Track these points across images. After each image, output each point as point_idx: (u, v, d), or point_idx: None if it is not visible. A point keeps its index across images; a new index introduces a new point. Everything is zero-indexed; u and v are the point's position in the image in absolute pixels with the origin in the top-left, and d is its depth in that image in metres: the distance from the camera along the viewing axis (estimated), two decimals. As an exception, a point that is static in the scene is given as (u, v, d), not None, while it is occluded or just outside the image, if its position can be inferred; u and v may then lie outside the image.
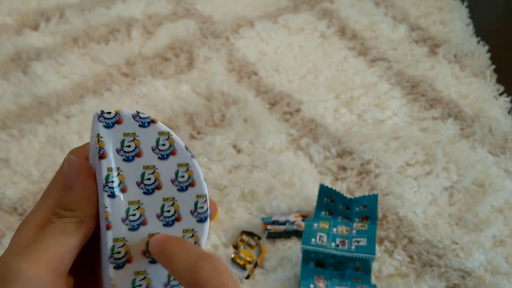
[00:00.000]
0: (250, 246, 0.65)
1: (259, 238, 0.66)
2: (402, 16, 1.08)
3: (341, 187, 0.72)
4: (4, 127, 0.79)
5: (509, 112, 0.87)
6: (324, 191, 0.66)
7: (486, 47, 1.00)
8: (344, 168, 0.75)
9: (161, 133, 0.26)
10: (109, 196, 0.24)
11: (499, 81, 0.93)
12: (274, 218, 0.67)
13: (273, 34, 1.02)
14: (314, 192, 0.69)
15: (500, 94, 0.91)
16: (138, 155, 0.25)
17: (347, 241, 0.61)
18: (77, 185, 0.25)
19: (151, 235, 0.25)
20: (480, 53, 0.99)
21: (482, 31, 1.06)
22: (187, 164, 0.26)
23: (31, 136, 0.77)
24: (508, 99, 0.89)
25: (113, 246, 0.24)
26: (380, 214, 0.68)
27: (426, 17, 1.09)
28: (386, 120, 0.84)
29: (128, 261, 0.25)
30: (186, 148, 0.26)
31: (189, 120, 0.81)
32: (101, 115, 0.26)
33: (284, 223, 0.67)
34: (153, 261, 0.25)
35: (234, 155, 0.76)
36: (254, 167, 0.74)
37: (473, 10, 1.12)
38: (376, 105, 0.87)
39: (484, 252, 0.65)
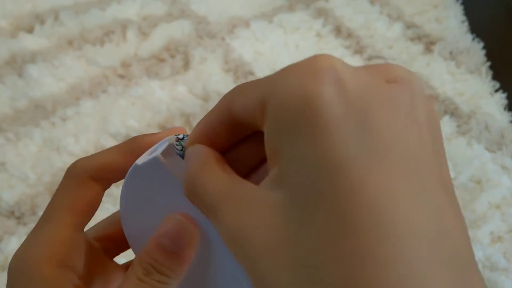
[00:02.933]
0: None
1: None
2: (397, 14, 1.08)
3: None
4: (0, 130, 0.78)
5: (505, 108, 0.87)
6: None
7: (481, 44, 1.01)
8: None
9: None
10: None
11: (494, 77, 0.93)
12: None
13: (269, 33, 1.02)
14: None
15: (496, 91, 0.91)
16: None
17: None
18: (186, 253, 0.23)
19: None
20: (476, 50, 0.99)
21: (477, 28, 1.06)
22: None
23: (27, 139, 0.77)
24: (504, 95, 0.90)
25: None
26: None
27: (421, 15, 1.09)
28: (382, 118, 0.84)
29: None
30: None
31: (186, 121, 0.81)
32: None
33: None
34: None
35: (231, 155, 0.76)
36: (251, 167, 0.74)
37: (468, 7, 1.12)
38: (373, 103, 0.87)
39: (482, 248, 0.65)
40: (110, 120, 0.81)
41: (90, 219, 0.26)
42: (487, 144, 0.80)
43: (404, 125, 0.16)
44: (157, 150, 0.23)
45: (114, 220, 0.28)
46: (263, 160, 0.21)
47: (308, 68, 0.16)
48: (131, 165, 0.24)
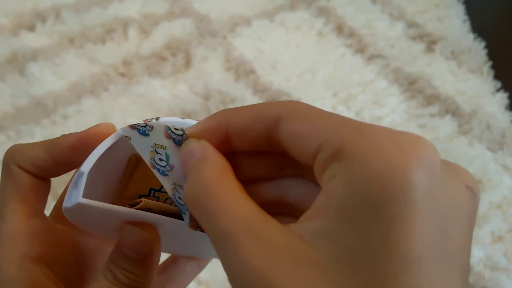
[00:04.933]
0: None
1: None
2: (399, 13, 1.08)
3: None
4: (1, 128, 0.79)
5: (506, 108, 0.87)
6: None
7: (483, 43, 1.00)
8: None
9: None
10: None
11: (496, 77, 0.93)
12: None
13: (270, 32, 1.02)
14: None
15: (497, 90, 0.91)
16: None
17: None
18: (150, 260, 0.23)
19: None
20: (477, 49, 0.99)
21: (478, 27, 1.06)
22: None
23: (29, 137, 0.77)
24: (505, 95, 0.90)
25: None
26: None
27: (422, 14, 1.09)
28: (384, 117, 0.84)
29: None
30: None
31: (187, 119, 0.81)
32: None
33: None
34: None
35: (232, 154, 0.76)
36: (252, 166, 0.74)
37: (469, 7, 1.12)
38: (374, 102, 0.87)
39: (483, 248, 0.65)
40: (111, 118, 0.81)
41: (43, 204, 0.25)
42: (488, 144, 0.79)
43: (470, 237, 0.18)
44: (78, 187, 0.23)
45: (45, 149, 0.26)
46: (263, 178, 0.21)
47: (411, 149, 0.16)
48: (52, 164, 0.25)
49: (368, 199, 0.15)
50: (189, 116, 0.81)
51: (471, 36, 1.03)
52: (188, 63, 0.93)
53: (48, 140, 0.25)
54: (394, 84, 0.91)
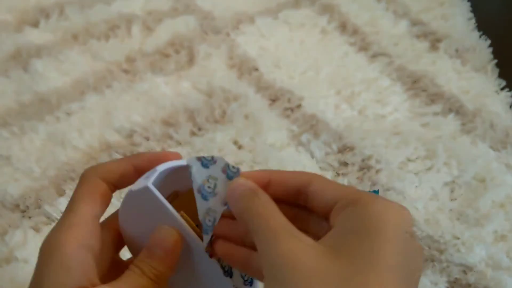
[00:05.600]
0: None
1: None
2: (403, 11, 1.08)
3: (342, 183, 0.72)
4: (5, 124, 0.79)
5: (510, 107, 0.87)
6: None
7: (488, 42, 1.00)
8: (345, 164, 0.75)
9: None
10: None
11: (500, 75, 0.93)
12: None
13: (274, 30, 1.02)
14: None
15: (502, 89, 0.90)
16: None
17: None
18: (171, 259, 0.30)
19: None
20: (482, 47, 0.98)
21: (483, 25, 1.05)
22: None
23: (32, 134, 0.77)
24: (509, 93, 0.89)
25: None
26: (381, 210, 0.68)
27: (427, 12, 1.09)
28: (387, 115, 0.84)
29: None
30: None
31: (189, 116, 0.81)
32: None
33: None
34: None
35: (235, 151, 0.76)
36: (255, 163, 0.74)
37: (474, 5, 1.12)
38: (377, 100, 0.87)
39: (485, 247, 0.65)
40: (115, 115, 0.81)
41: (104, 211, 0.32)
42: (492, 143, 0.79)
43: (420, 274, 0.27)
44: (149, 178, 0.30)
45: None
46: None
47: (400, 211, 0.26)
48: (132, 174, 0.32)
49: (370, 226, 0.24)
50: (192, 112, 0.81)
51: (475, 34, 1.02)
52: (191, 60, 0.93)
53: (125, 157, 0.34)
54: (398, 82, 0.90)
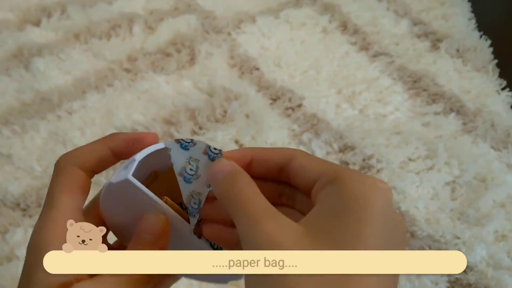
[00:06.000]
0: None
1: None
2: (404, 10, 1.08)
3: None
4: (6, 123, 0.79)
5: (511, 107, 0.87)
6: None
7: (489, 42, 1.00)
8: (346, 163, 0.75)
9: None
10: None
11: (501, 75, 0.93)
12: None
13: (275, 29, 1.02)
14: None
15: (503, 89, 0.90)
16: None
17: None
18: (162, 242, 0.29)
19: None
20: (483, 47, 0.98)
21: (484, 25, 1.05)
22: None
23: (34, 132, 0.78)
24: (510, 93, 0.89)
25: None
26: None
27: (428, 12, 1.09)
28: (388, 115, 0.84)
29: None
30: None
31: (191, 115, 0.81)
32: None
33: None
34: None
35: (236, 150, 0.76)
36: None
37: (475, 4, 1.12)
38: (378, 100, 0.87)
39: (486, 247, 0.65)
40: (116, 114, 0.81)
41: (85, 201, 0.31)
42: (493, 143, 0.79)
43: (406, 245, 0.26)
44: (128, 168, 0.29)
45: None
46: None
47: (379, 186, 0.25)
48: (109, 157, 0.31)
49: (350, 205, 0.24)
50: (193, 111, 0.81)
51: (476, 34, 1.02)
52: (192, 60, 0.93)
53: (100, 139, 0.31)
54: (399, 82, 0.90)
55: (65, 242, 0.27)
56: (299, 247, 0.22)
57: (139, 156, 0.29)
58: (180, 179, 0.29)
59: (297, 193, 0.29)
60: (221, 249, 0.31)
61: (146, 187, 0.29)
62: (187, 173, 0.29)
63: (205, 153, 0.29)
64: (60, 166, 0.30)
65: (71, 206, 0.29)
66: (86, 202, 0.32)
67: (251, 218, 0.24)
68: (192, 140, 0.29)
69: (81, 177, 0.30)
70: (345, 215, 0.23)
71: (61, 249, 0.27)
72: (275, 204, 0.26)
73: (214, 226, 0.30)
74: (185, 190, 0.29)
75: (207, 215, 0.30)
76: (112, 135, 0.31)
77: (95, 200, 0.33)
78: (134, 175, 0.28)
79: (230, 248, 0.30)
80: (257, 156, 0.29)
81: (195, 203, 0.29)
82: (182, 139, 0.29)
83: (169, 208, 0.29)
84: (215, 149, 0.29)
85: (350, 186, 0.24)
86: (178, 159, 0.29)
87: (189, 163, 0.29)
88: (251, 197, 0.26)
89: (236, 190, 0.26)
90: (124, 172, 0.29)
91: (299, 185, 0.28)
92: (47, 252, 0.27)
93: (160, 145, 0.30)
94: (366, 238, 0.23)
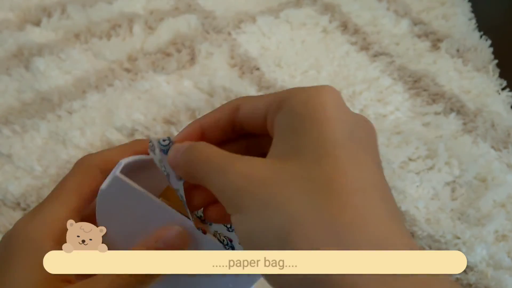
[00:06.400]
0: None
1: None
2: (404, 10, 1.08)
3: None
4: (6, 122, 0.79)
5: (511, 107, 0.87)
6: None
7: (489, 42, 1.00)
8: (346, 163, 0.75)
9: None
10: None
11: (501, 75, 0.93)
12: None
13: (275, 29, 1.02)
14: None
15: (503, 89, 0.90)
16: None
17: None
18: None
19: None
20: (483, 47, 0.98)
21: (484, 25, 1.05)
22: None
23: (34, 132, 0.78)
24: (510, 93, 0.89)
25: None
26: (382, 209, 0.68)
27: (428, 12, 1.09)
28: (388, 115, 0.84)
29: None
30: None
31: (191, 115, 0.81)
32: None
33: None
34: None
35: (236, 150, 0.76)
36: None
37: (475, 4, 1.12)
38: (378, 100, 0.87)
39: (486, 247, 0.65)
40: (116, 114, 0.81)
41: (88, 202, 0.29)
42: (493, 143, 0.79)
43: (375, 142, 0.26)
44: (114, 170, 0.27)
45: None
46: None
47: (325, 88, 0.24)
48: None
49: (302, 116, 0.23)
50: (193, 111, 0.81)
51: (477, 34, 1.02)
52: (193, 59, 0.93)
53: (126, 143, 0.31)
54: (399, 82, 0.90)
55: (55, 240, 0.26)
56: (272, 173, 0.22)
57: (124, 159, 0.28)
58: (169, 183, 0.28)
59: (260, 140, 0.28)
60: (231, 242, 0.30)
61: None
62: (166, 177, 0.28)
63: (161, 150, 0.28)
64: (83, 163, 0.29)
65: (75, 206, 0.28)
66: None
67: (219, 167, 0.23)
68: (150, 141, 0.28)
69: (98, 180, 0.29)
70: (301, 126, 0.23)
71: (48, 246, 0.26)
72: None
73: (218, 208, 0.29)
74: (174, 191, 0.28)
75: (207, 202, 0.29)
76: (138, 140, 0.31)
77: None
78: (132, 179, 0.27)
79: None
80: (206, 125, 0.28)
81: (182, 201, 0.28)
82: (149, 147, 0.28)
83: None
84: (163, 140, 0.27)
85: (296, 99, 0.24)
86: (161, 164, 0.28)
87: (161, 166, 0.28)
88: (211, 152, 0.24)
89: (196, 155, 0.25)
90: (113, 171, 0.27)
91: (254, 129, 0.27)
92: (43, 245, 0.26)
93: (146, 156, 0.29)
94: (329, 136, 0.22)
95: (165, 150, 0.27)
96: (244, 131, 0.28)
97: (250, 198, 0.22)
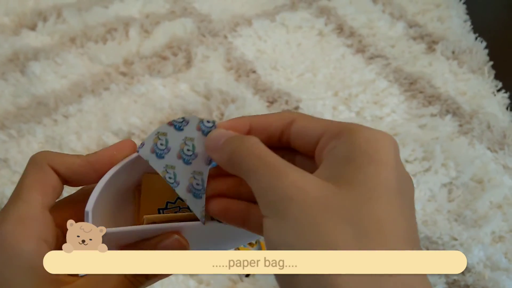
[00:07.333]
0: (250, 243, 0.65)
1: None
2: (400, 13, 1.08)
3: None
4: (2, 127, 0.79)
5: (507, 108, 0.87)
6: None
7: (484, 44, 1.00)
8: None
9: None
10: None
11: (497, 77, 0.93)
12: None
13: (271, 32, 1.02)
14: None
15: (498, 90, 0.91)
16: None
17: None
18: None
19: None
20: (478, 49, 0.99)
21: (479, 27, 1.06)
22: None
23: (30, 136, 0.77)
24: (506, 95, 0.90)
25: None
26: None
27: (423, 14, 1.09)
28: (384, 117, 0.85)
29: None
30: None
31: (187, 118, 0.81)
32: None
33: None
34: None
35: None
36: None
37: (470, 7, 1.12)
38: (375, 102, 0.87)
39: (483, 248, 0.65)
40: (112, 118, 0.81)
41: (53, 202, 0.29)
42: (489, 144, 0.80)
43: (413, 196, 0.26)
44: (89, 200, 0.27)
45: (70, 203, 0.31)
46: None
47: (387, 135, 0.25)
48: (85, 171, 0.29)
49: (363, 152, 0.24)
50: (190, 114, 0.81)
51: (472, 36, 1.03)
52: (189, 63, 0.93)
53: (86, 155, 0.30)
54: (395, 84, 0.91)
55: (34, 239, 0.26)
56: (325, 195, 0.22)
57: (89, 205, 0.27)
58: (179, 163, 0.28)
59: (296, 157, 0.28)
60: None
61: (146, 192, 0.29)
62: (185, 154, 0.28)
63: (199, 128, 0.28)
64: (36, 161, 0.28)
65: (41, 203, 0.27)
66: None
67: (273, 168, 0.24)
68: (184, 118, 0.28)
69: (54, 178, 0.28)
70: (360, 160, 0.23)
71: (28, 246, 0.25)
72: None
73: (222, 200, 0.29)
74: (186, 173, 0.28)
75: (212, 194, 0.29)
76: (95, 152, 0.30)
77: (63, 202, 0.31)
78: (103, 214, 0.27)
79: (239, 223, 0.29)
80: (255, 124, 0.28)
81: (198, 184, 0.28)
82: (174, 120, 0.28)
83: (157, 225, 0.28)
84: (208, 122, 0.28)
85: (359, 134, 0.24)
86: (175, 141, 0.28)
87: (185, 144, 0.28)
88: (267, 151, 0.25)
89: (248, 146, 0.25)
90: (88, 205, 0.27)
91: (300, 147, 0.27)
92: (13, 248, 0.25)
93: (131, 157, 0.29)
94: (385, 181, 0.23)
95: (205, 131, 0.28)
96: (287, 144, 0.28)
97: (298, 211, 0.22)
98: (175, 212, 0.30)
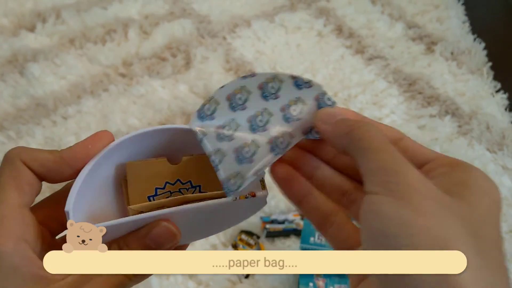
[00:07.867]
0: (249, 245, 0.65)
1: (258, 237, 0.66)
2: (399, 14, 1.08)
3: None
4: (1, 128, 0.79)
5: (506, 109, 0.87)
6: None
7: (483, 44, 1.00)
8: (342, 166, 0.75)
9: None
10: None
11: (495, 78, 0.93)
12: (273, 217, 0.67)
13: (270, 33, 1.02)
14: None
15: (497, 91, 0.91)
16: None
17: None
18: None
19: None
20: (477, 50, 0.99)
21: (478, 28, 1.06)
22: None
23: (29, 138, 0.77)
24: (505, 96, 0.90)
25: None
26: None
27: (422, 15, 1.09)
28: (384, 118, 0.85)
29: None
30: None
31: (187, 119, 0.81)
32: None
33: (283, 222, 0.67)
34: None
35: (232, 154, 0.76)
36: (252, 166, 0.74)
37: (469, 8, 1.12)
38: (374, 103, 0.87)
39: (482, 249, 0.65)
40: (111, 119, 0.81)
41: (32, 200, 0.28)
42: (488, 145, 0.80)
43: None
44: (68, 199, 0.26)
45: (53, 201, 0.30)
46: None
47: (493, 184, 0.26)
48: (60, 167, 0.28)
49: (479, 186, 0.25)
50: (189, 115, 0.81)
51: (471, 37, 1.03)
52: (188, 64, 0.93)
53: (59, 150, 0.29)
54: (394, 85, 0.91)
55: (13, 239, 0.25)
56: (444, 196, 0.23)
57: (69, 204, 0.26)
58: (246, 126, 0.28)
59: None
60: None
61: (132, 181, 0.28)
62: (290, 113, 0.29)
63: (317, 99, 0.28)
64: (9, 158, 0.27)
65: (17, 202, 0.26)
66: None
67: (397, 156, 0.25)
68: (310, 81, 0.28)
69: (29, 174, 0.27)
70: (474, 188, 0.24)
71: (6, 247, 0.25)
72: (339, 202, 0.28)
73: (290, 169, 0.30)
74: (281, 128, 0.28)
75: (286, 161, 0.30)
76: (70, 147, 0.29)
77: (47, 200, 0.30)
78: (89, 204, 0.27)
79: (295, 201, 0.29)
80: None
81: (282, 143, 0.28)
82: (299, 77, 0.28)
83: (143, 213, 0.27)
84: (329, 99, 0.28)
85: (476, 173, 0.25)
86: (254, 105, 0.28)
87: (261, 114, 0.28)
88: (386, 139, 0.26)
89: (377, 129, 0.26)
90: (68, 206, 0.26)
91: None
92: (5, 249, 0.24)
93: (107, 149, 0.28)
94: (496, 213, 0.24)
95: (322, 104, 0.28)
96: None
97: (419, 198, 0.23)
98: (167, 198, 0.29)
